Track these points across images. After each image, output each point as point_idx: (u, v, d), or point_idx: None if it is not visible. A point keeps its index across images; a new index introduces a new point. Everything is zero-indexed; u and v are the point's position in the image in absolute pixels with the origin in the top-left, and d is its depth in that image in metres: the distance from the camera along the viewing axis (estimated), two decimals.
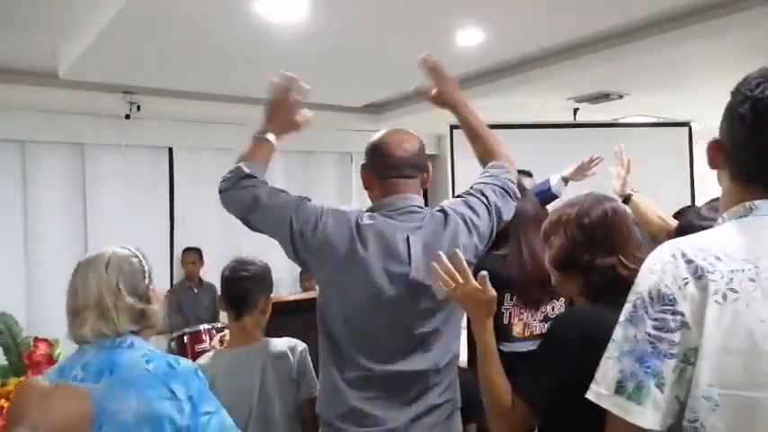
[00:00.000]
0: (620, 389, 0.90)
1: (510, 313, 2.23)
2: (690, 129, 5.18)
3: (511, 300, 2.22)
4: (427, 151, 6.31)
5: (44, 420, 0.77)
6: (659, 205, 2.49)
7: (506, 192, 1.80)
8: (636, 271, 1.37)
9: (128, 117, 4.84)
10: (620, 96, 5.00)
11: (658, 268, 0.92)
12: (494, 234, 1.76)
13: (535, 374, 1.40)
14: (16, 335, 2.71)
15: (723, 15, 3.36)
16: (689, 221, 1.78)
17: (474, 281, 1.48)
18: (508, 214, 1.81)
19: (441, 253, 1.52)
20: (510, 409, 1.39)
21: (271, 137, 1.79)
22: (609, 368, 0.93)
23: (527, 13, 3.26)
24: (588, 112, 5.40)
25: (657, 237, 2.18)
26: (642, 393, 0.88)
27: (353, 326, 1.64)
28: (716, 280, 0.87)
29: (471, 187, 1.81)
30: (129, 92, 4.64)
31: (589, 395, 0.96)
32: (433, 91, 1.90)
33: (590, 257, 1.41)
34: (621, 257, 1.39)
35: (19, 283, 4.87)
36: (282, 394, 1.99)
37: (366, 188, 1.76)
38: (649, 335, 0.89)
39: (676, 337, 0.87)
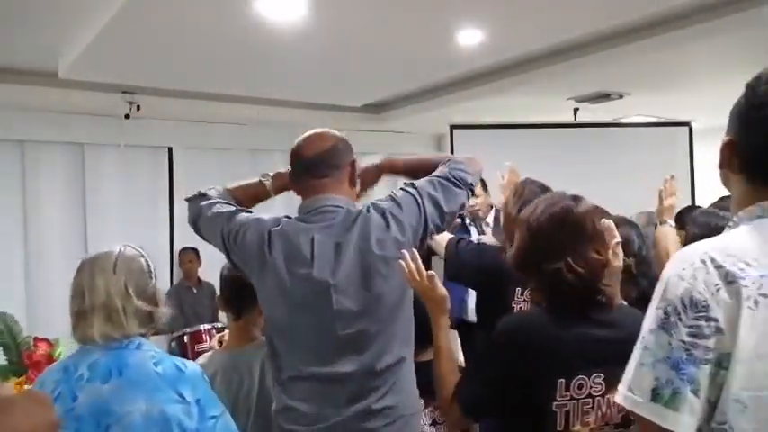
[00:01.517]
0: (656, 396, 0.90)
1: (520, 308, 2.22)
2: (690, 129, 5.18)
3: (522, 295, 2.21)
4: (427, 151, 6.30)
5: None
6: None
7: (449, 180, 1.73)
8: (585, 275, 1.34)
9: (127, 117, 4.83)
10: (620, 96, 5.00)
11: (688, 274, 0.91)
12: (429, 225, 1.69)
13: (468, 376, 1.45)
14: (16, 335, 2.71)
15: (723, 15, 3.36)
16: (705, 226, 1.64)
17: (426, 280, 1.51)
18: (454, 203, 1.73)
19: (404, 251, 1.54)
20: (450, 405, 1.44)
21: (267, 183, 1.89)
22: (643, 375, 0.92)
23: (527, 13, 3.25)
24: (588, 112, 5.40)
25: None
26: (679, 400, 0.88)
27: (278, 329, 1.68)
28: (747, 285, 0.87)
29: (406, 182, 1.77)
30: (129, 92, 4.64)
31: (622, 402, 0.95)
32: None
33: (537, 260, 1.38)
34: (570, 260, 1.34)
35: (19, 283, 4.87)
36: None
37: (297, 195, 1.76)
38: (684, 342, 0.89)
39: (711, 342, 0.87)
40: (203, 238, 1.83)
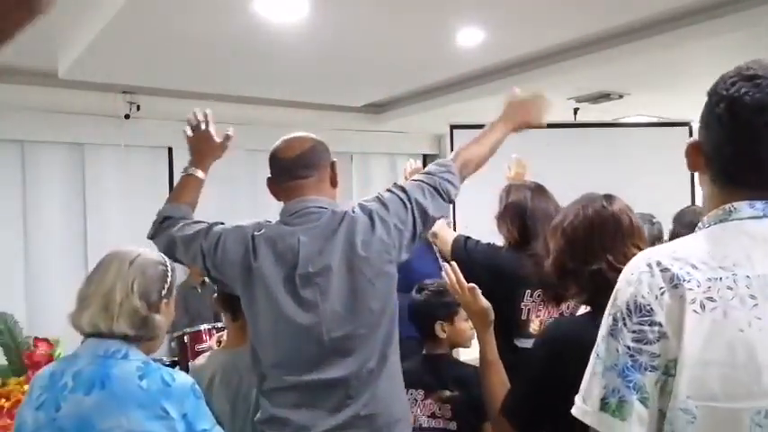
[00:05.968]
0: (604, 405, 0.87)
1: (528, 310, 2.21)
2: (690, 129, 5.18)
3: (530, 297, 2.21)
4: (427, 151, 6.34)
5: None
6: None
7: (437, 191, 1.75)
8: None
9: (127, 117, 4.83)
10: (620, 96, 5.00)
11: (635, 279, 0.89)
12: (417, 230, 1.68)
13: (514, 387, 1.40)
14: (16, 335, 2.71)
15: (723, 15, 3.36)
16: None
17: (467, 293, 1.49)
18: (437, 212, 1.75)
19: (450, 264, 1.55)
20: (499, 417, 1.40)
21: (198, 173, 1.93)
22: (593, 384, 0.90)
23: (527, 13, 3.25)
24: (588, 112, 5.40)
25: None
26: (625, 409, 0.85)
27: (263, 338, 1.65)
28: (692, 288, 0.84)
29: (395, 183, 1.78)
30: (129, 92, 4.64)
31: (574, 412, 0.93)
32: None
33: (578, 264, 1.34)
34: (610, 258, 1.30)
35: (19, 283, 4.86)
36: None
37: (277, 200, 1.75)
38: (629, 348, 0.86)
39: (656, 348, 0.85)
40: (182, 263, 1.79)
